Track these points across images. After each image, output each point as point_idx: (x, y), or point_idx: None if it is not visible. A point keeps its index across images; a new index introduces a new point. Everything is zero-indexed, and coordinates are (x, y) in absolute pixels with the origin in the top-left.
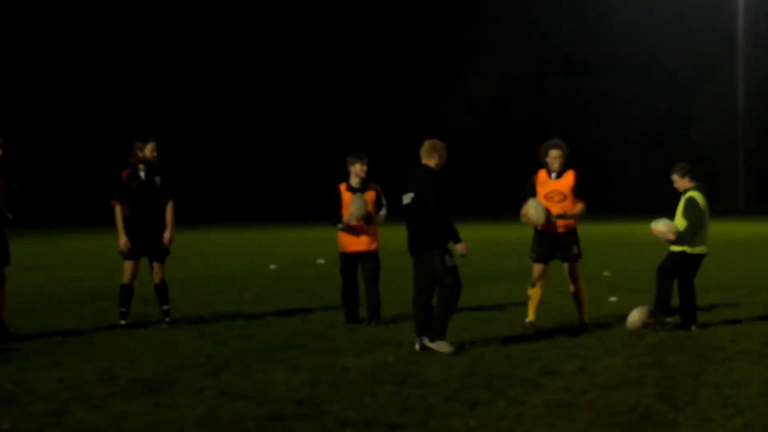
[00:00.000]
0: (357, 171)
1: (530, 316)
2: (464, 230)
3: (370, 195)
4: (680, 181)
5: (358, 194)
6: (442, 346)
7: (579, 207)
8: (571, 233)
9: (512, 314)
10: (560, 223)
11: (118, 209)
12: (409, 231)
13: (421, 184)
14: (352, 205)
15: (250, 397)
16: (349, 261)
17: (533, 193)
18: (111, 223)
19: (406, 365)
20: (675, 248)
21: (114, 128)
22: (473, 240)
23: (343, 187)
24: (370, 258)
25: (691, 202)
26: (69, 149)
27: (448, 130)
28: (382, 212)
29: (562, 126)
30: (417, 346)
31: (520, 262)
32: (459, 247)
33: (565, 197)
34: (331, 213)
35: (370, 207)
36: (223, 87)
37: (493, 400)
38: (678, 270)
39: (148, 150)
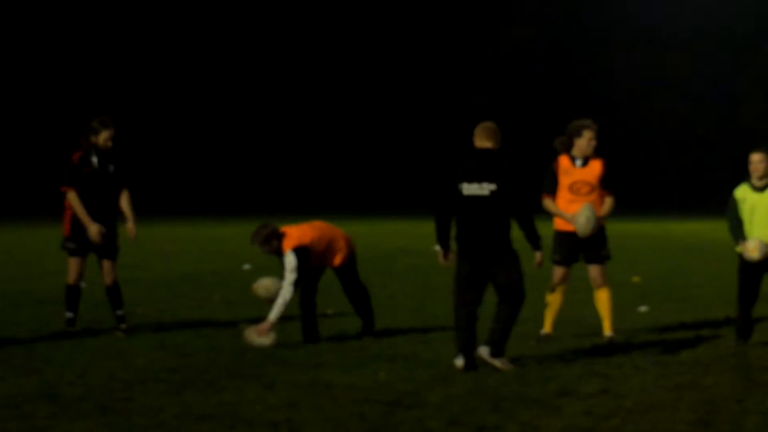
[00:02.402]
0: None
1: (546, 327)
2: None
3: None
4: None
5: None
6: (505, 364)
7: (608, 204)
8: (600, 231)
9: (525, 325)
10: None
11: (72, 194)
12: (475, 230)
13: (506, 173)
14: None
15: (218, 418)
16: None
17: (555, 184)
18: (50, 213)
19: (400, 383)
20: None
21: (56, 107)
22: None
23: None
24: (342, 274)
25: None
26: (6, 133)
27: (451, 113)
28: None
29: (586, 108)
30: (460, 363)
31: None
32: (538, 256)
33: (592, 189)
34: None
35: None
36: (194, 63)
37: (502, 425)
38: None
39: (102, 138)
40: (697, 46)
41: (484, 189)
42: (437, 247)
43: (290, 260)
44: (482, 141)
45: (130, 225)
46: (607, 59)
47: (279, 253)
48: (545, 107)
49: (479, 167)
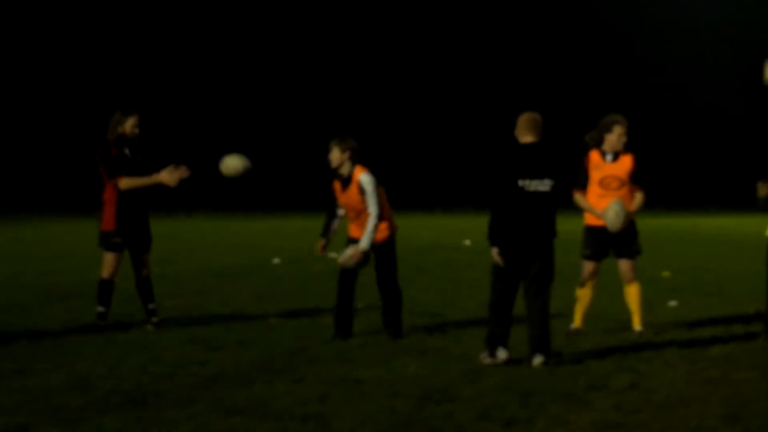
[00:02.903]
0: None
1: (576, 322)
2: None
3: (352, 191)
4: None
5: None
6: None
7: (639, 199)
8: (630, 226)
9: (554, 320)
10: None
11: (126, 181)
12: (532, 225)
13: (562, 170)
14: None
15: (248, 412)
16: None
17: (585, 179)
18: (83, 209)
19: (430, 377)
20: None
21: (87, 104)
22: None
23: (336, 180)
24: (379, 250)
25: None
26: (34, 128)
27: (483, 107)
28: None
29: (611, 100)
30: (504, 355)
31: (566, 259)
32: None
33: (622, 184)
34: (329, 212)
35: (357, 205)
36: (217, 55)
37: (532, 418)
38: None
39: (129, 125)
40: (731, 37)
41: (545, 185)
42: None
43: (368, 180)
44: (528, 134)
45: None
46: (638, 50)
47: (347, 175)
48: (577, 99)
49: (538, 163)
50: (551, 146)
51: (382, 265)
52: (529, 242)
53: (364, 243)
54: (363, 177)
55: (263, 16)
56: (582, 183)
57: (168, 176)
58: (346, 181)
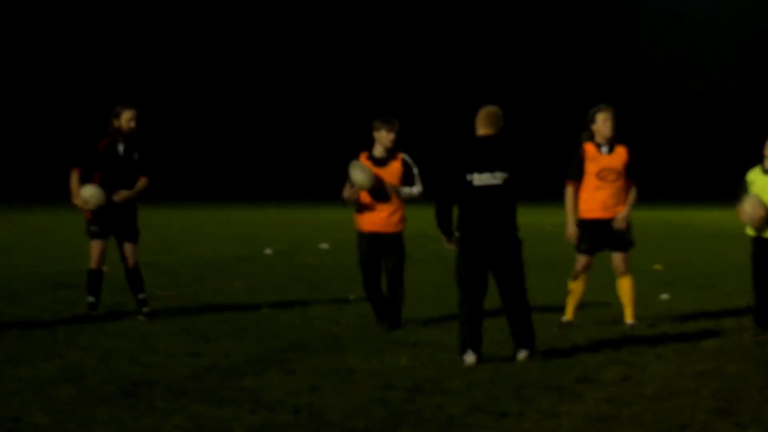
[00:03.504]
0: (382, 139)
1: (568, 314)
2: None
3: (394, 168)
4: None
5: (354, 161)
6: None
7: (633, 194)
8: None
9: (546, 312)
10: (617, 208)
11: (75, 175)
12: (486, 219)
13: (518, 161)
14: (350, 174)
15: (240, 403)
16: (366, 244)
17: (580, 170)
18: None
19: (421, 369)
20: None
21: (80, 91)
22: None
23: (363, 156)
24: (391, 244)
25: None
26: (27, 114)
27: (477, 98)
28: (414, 189)
29: (606, 93)
30: (471, 359)
31: (557, 251)
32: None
33: (619, 176)
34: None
35: (396, 182)
36: (213, 46)
37: (524, 411)
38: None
39: (125, 120)
40: (727, 30)
41: (497, 178)
42: (458, 233)
43: (410, 160)
44: (486, 127)
45: (120, 194)
46: (633, 43)
47: (390, 153)
48: (572, 91)
49: (490, 155)
50: (506, 139)
51: (393, 256)
52: (483, 237)
53: (410, 189)
54: (405, 157)
55: (264, 8)
56: (576, 175)
57: (87, 195)
58: (385, 159)
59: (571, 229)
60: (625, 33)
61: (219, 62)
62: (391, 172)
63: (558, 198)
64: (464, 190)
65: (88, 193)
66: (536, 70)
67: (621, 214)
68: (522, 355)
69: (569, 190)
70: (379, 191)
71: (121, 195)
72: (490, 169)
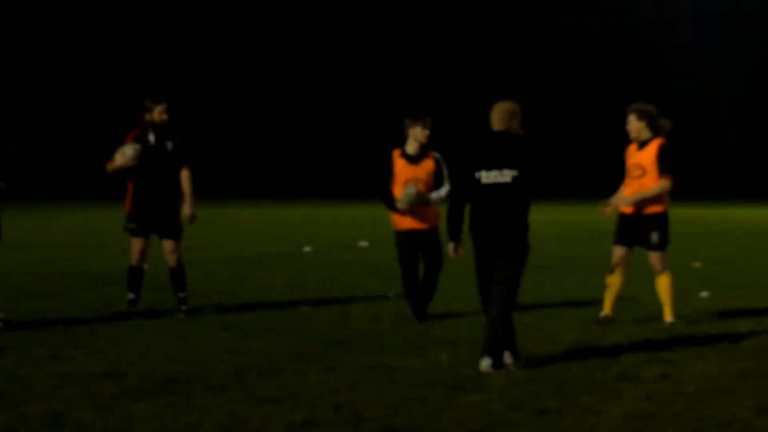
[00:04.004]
0: (417, 135)
1: (606, 310)
2: (533, 212)
3: (428, 166)
4: None
5: (408, 187)
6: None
7: (652, 188)
8: (655, 218)
9: (586, 310)
10: (647, 206)
11: (109, 165)
12: (494, 219)
13: (529, 159)
14: (401, 197)
15: (280, 401)
16: (404, 241)
17: (624, 168)
18: (116, 196)
19: (462, 367)
20: None
21: (121, 89)
22: (543, 224)
23: (396, 153)
24: (428, 239)
25: None
26: (70, 112)
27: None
28: (442, 191)
29: (649, 88)
30: (486, 364)
31: (599, 250)
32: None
33: (644, 172)
34: (382, 187)
35: (429, 179)
36: (249, 37)
37: (563, 408)
38: None
39: (157, 112)
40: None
41: (505, 176)
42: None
43: (441, 159)
44: (497, 124)
45: (187, 209)
46: (666, 45)
47: (424, 151)
48: (602, 93)
49: (498, 153)
50: (518, 135)
51: (431, 250)
52: (489, 237)
53: (437, 193)
54: (438, 154)
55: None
56: (624, 173)
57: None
58: (419, 157)
59: None
60: (659, 32)
61: (258, 62)
62: (425, 170)
63: (594, 196)
64: (474, 188)
65: (126, 148)
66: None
67: (626, 198)
68: (507, 357)
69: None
70: (424, 201)
71: (187, 210)
72: (498, 167)
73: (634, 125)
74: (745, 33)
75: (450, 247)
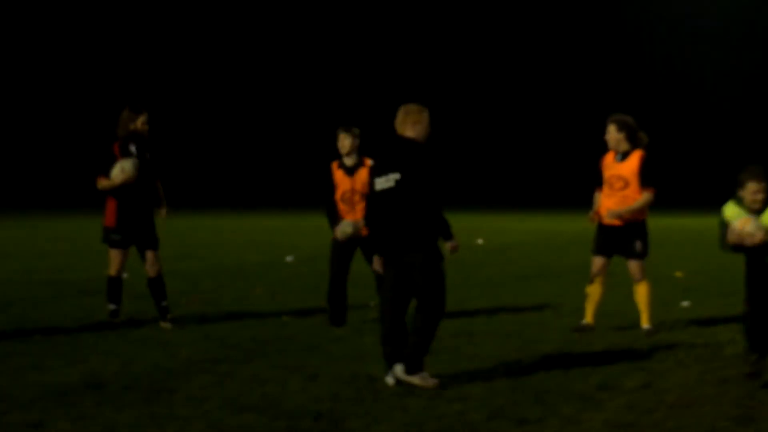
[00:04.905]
0: (339, 145)
1: (587, 318)
2: (514, 220)
3: (363, 175)
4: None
5: (345, 225)
6: (426, 380)
7: (638, 200)
8: (636, 227)
9: (567, 318)
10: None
11: (104, 182)
12: (384, 225)
13: (411, 162)
14: (339, 228)
15: (261, 410)
16: (340, 248)
17: (599, 177)
18: (95, 206)
19: (442, 376)
20: None
21: (98, 99)
22: (525, 232)
23: (335, 165)
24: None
25: None
26: (48, 123)
27: (498, 105)
28: None
29: (631, 99)
30: (390, 380)
31: (580, 258)
32: (450, 245)
33: (627, 184)
34: (327, 200)
35: (364, 189)
36: (229, 49)
37: (544, 418)
38: None
39: (140, 122)
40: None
41: (390, 180)
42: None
43: None
44: (401, 128)
45: (163, 211)
46: (652, 49)
47: (361, 160)
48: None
49: (385, 157)
50: (407, 139)
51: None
52: (390, 245)
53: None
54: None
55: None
56: (598, 181)
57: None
58: (355, 167)
59: None
60: (646, 38)
61: (238, 72)
62: (360, 181)
63: (574, 206)
64: (371, 196)
65: (125, 163)
66: (559, 78)
67: (614, 210)
68: (398, 369)
69: (596, 195)
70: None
71: (163, 212)
72: (385, 172)
73: (614, 136)
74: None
75: (376, 261)
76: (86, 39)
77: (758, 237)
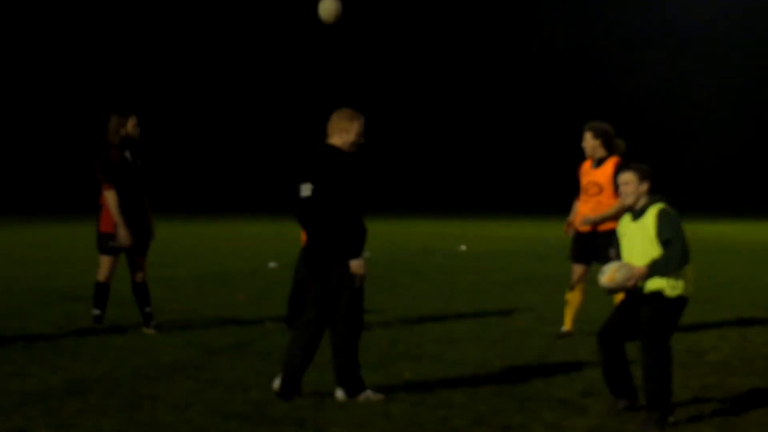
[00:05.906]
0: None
1: (567, 325)
2: (498, 227)
3: None
4: (637, 186)
5: None
6: (374, 395)
7: (612, 206)
8: (611, 234)
9: (551, 325)
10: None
11: (113, 194)
12: (308, 239)
13: (323, 170)
14: None
15: (244, 416)
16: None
17: (579, 185)
18: (80, 211)
19: (425, 382)
20: (670, 291)
21: (84, 105)
22: (509, 240)
23: None
24: None
25: (667, 216)
26: (33, 129)
27: (479, 111)
28: None
29: (617, 109)
30: (339, 394)
31: (564, 265)
32: (354, 264)
33: (601, 190)
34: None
35: None
36: (209, 54)
37: (527, 424)
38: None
39: (131, 125)
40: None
41: (306, 190)
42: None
43: None
44: (329, 134)
45: (153, 232)
46: (637, 62)
47: None
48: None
49: (302, 166)
50: (327, 146)
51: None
52: (306, 254)
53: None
54: None
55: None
56: (577, 189)
57: (124, 236)
58: None
59: None
60: (631, 49)
61: (223, 77)
62: None
63: (557, 213)
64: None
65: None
66: (538, 87)
67: (587, 217)
68: (339, 395)
69: (575, 203)
70: None
71: (153, 233)
72: (303, 180)
73: (590, 143)
74: (720, 52)
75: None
76: (66, 44)
77: (631, 282)
